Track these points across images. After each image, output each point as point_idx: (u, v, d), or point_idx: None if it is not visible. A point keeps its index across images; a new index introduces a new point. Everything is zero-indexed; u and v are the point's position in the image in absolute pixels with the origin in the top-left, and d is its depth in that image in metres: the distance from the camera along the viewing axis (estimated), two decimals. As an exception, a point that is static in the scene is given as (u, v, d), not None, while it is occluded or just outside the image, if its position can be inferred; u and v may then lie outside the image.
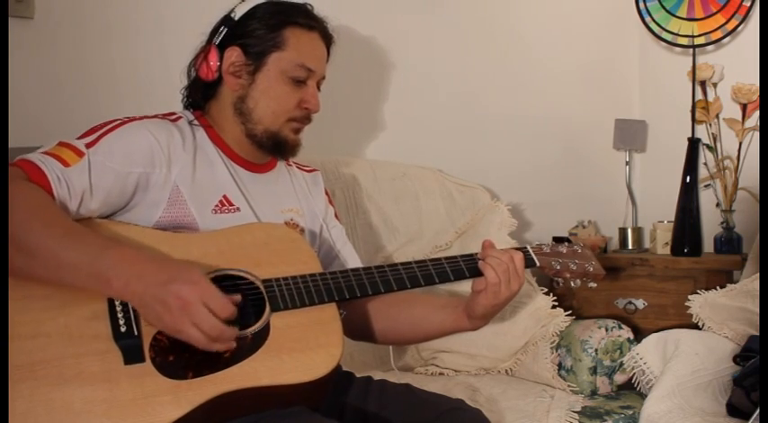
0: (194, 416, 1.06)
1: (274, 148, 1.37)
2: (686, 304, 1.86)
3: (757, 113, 2.34)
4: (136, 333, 1.09)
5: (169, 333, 1.08)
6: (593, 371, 1.84)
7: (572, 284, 1.44)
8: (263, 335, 1.15)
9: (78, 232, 1.10)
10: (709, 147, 2.41)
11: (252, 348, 1.13)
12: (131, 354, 1.07)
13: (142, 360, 1.08)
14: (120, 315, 1.10)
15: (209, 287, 1.07)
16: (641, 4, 2.54)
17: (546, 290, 1.95)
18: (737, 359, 1.64)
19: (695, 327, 1.82)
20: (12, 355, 1.02)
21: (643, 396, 1.70)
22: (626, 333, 1.89)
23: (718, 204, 2.41)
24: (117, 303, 1.11)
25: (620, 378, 1.85)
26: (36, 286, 1.08)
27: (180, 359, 1.10)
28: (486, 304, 1.31)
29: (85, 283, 1.07)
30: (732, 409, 1.57)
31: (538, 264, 1.40)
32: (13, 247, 1.05)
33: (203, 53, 1.37)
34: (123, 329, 1.08)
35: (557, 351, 1.88)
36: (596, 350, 1.84)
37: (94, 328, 1.08)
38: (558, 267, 1.41)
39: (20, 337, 1.04)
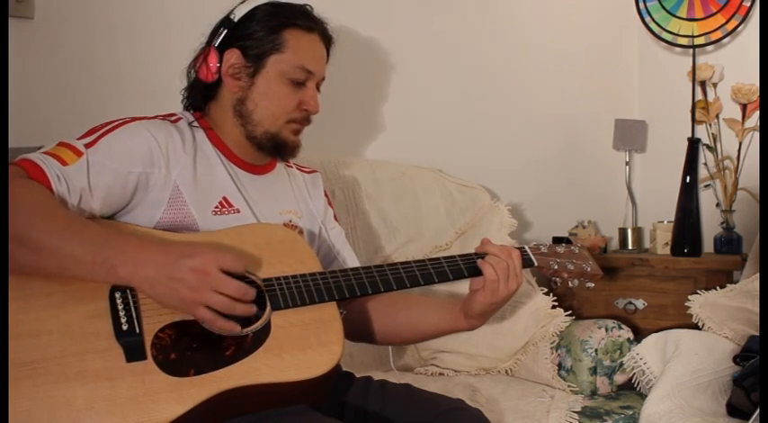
0: (196, 413, 1.06)
1: (274, 150, 1.37)
2: (686, 304, 1.86)
3: (757, 113, 2.34)
4: (137, 331, 1.09)
5: (187, 310, 1.09)
6: (593, 371, 1.84)
7: (570, 284, 1.44)
8: (263, 333, 1.15)
9: (80, 224, 1.11)
10: (709, 147, 2.42)
11: (253, 347, 1.13)
12: (133, 351, 1.07)
13: (144, 358, 1.08)
14: (121, 313, 1.10)
15: (219, 253, 1.10)
16: (641, 4, 2.54)
17: (546, 290, 1.95)
18: (737, 359, 1.64)
19: (695, 327, 1.83)
20: (14, 353, 1.02)
21: (643, 396, 1.70)
22: (626, 333, 1.89)
23: (718, 204, 2.41)
24: (119, 301, 1.11)
25: (619, 378, 1.85)
26: (38, 284, 1.08)
27: (182, 357, 1.10)
28: (485, 302, 1.31)
29: (91, 274, 1.07)
30: (732, 410, 1.57)
31: (536, 263, 1.41)
32: (17, 242, 1.05)
33: (203, 55, 1.37)
34: (125, 327, 1.09)
35: (557, 351, 1.88)
36: (596, 350, 1.84)
37: (96, 326, 1.08)
38: (556, 267, 1.42)
39: (22, 335, 1.05)
